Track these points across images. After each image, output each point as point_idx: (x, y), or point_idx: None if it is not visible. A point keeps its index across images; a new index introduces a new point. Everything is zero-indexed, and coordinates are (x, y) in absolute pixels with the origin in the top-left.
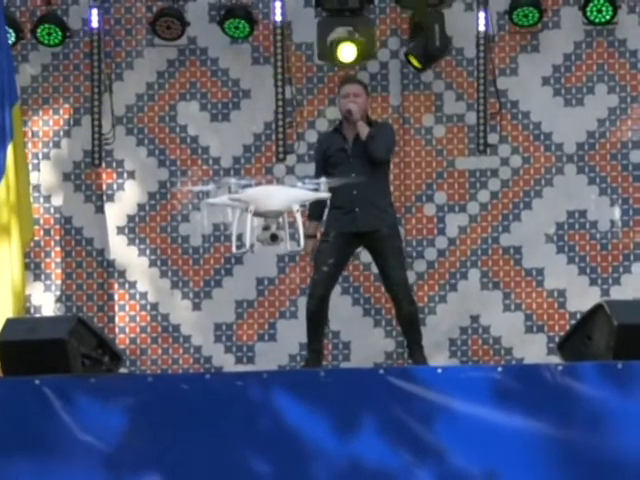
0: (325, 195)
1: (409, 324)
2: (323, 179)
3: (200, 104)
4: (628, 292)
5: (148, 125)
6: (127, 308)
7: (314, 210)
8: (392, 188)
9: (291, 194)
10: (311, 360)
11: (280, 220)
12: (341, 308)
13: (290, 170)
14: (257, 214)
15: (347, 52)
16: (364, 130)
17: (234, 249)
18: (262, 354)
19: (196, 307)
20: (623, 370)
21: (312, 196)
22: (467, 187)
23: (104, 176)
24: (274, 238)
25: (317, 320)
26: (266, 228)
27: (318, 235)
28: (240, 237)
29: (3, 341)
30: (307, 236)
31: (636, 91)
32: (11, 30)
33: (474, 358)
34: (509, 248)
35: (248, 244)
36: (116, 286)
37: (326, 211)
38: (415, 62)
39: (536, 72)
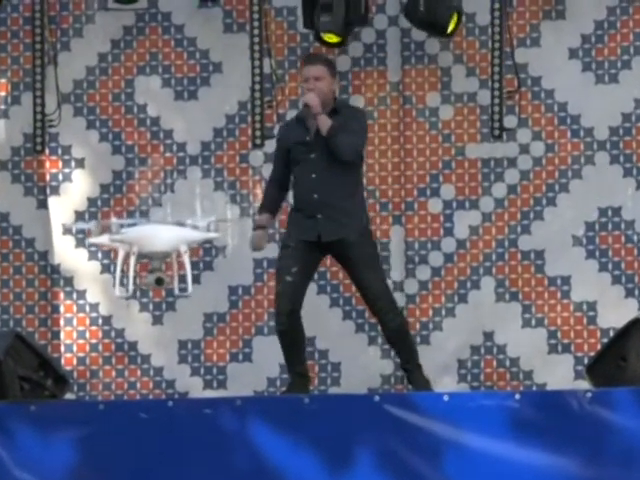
0: (215, 235)
1: (399, 340)
2: (213, 218)
3: (162, 79)
4: None
5: (100, 104)
6: (75, 322)
7: (266, 202)
8: (390, 180)
9: (178, 234)
10: (294, 385)
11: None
12: (330, 323)
13: (268, 158)
14: (141, 256)
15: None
16: (325, 124)
17: (117, 292)
18: (235, 377)
19: (157, 321)
20: None
21: (201, 236)
22: (479, 179)
23: (48, 164)
24: (160, 282)
25: (291, 339)
26: (152, 271)
27: (268, 226)
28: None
29: None
30: (255, 227)
31: None
32: None
33: (487, 383)
34: (529, 252)
35: (130, 289)
36: (62, 296)
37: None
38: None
39: (562, 43)
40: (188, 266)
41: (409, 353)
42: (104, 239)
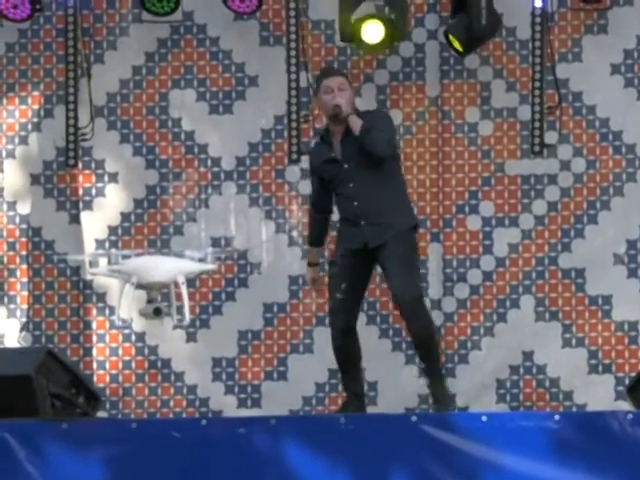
0: (212, 267)
1: (425, 347)
2: (210, 249)
3: (197, 93)
4: None
5: (134, 118)
6: (107, 339)
7: (314, 233)
8: (428, 196)
9: (175, 265)
10: (349, 404)
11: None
12: (366, 341)
13: (305, 174)
14: (140, 286)
15: (372, 32)
16: (357, 124)
17: (117, 321)
18: (270, 396)
19: (191, 338)
20: None
21: (198, 267)
22: (519, 196)
23: (81, 179)
24: (157, 312)
25: (346, 355)
26: (150, 301)
27: (319, 262)
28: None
29: None
30: (308, 264)
31: None
32: None
33: (527, 403)
34: (570, 271)
35: (127, 318)
36: (94, 312)
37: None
38: (457, 44)
39: (604, 58)
40: (185, 297)
41: (432, 362)
42: (103, 269)
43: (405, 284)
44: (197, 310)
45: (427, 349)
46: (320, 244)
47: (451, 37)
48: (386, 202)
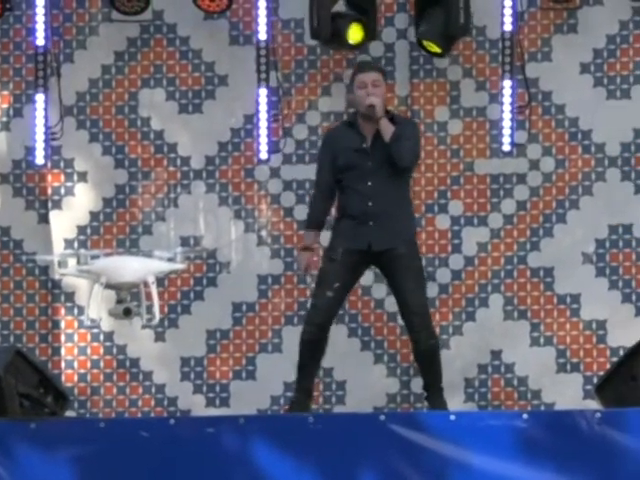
0: (181, 266)
1: (428, 362)
2: (179, 248)
3: (167, 92)
4: None
5: (103, 117)
6: (76, 338)
7: (314, 216)
8: None
9: (145, 265)
10: (297, 401)
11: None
12: (335, 340)
13: (275, 173)
14: (109, 286)
15: (347, 31)
16: (388, 130)
17: (86, 321)
18: (238, 395)
19: (159, 337)
20: None
21: (167, 267)
22: (488, 195)
23: (50, 178)
24: (127, 312)
25: (313, 352)
26: (119, 301)
27: (316, 246)
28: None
29: None
30: (303, 248)
31: None
32: None
33: (495, 402)
34: (538, 270)
35: (96, 317)
36: (63, 311)
37: (329, 222)
38: (434, 48)
39: (573, 57)
40: (155, 296)
41: (434, 376)
42: (72, 270)
43: (420, 298)
44: (165, 309)
45: (431, 360)
46: (320, 227)
47: (425, 42)
48: (398, 206)
